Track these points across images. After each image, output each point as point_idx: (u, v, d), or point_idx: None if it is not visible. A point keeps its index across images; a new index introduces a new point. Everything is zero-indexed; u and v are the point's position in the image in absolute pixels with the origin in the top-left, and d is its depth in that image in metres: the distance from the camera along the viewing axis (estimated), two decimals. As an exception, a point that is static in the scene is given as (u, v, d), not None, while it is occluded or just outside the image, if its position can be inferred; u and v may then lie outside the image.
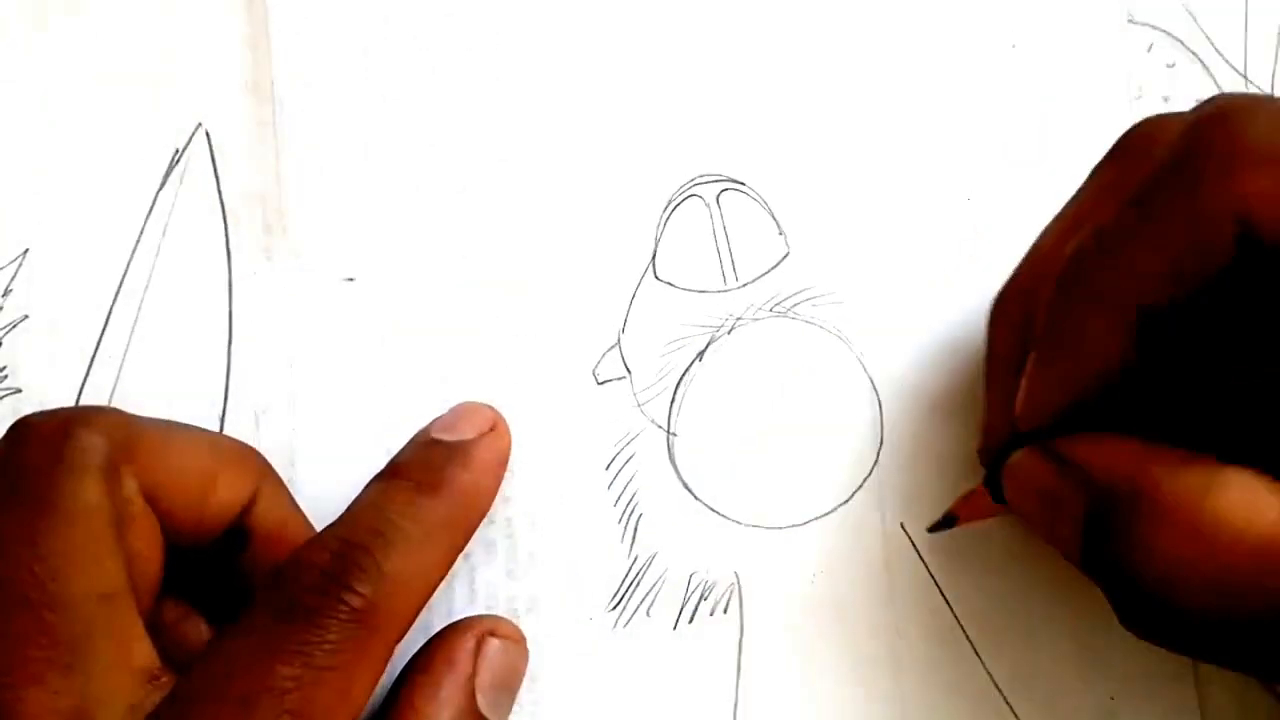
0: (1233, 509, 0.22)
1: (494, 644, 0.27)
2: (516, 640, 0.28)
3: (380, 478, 0.28)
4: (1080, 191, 0.27)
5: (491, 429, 0.29)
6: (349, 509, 0.26)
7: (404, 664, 0.27)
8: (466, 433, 0.29)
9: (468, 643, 0.27)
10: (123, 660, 0.23)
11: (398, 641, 0.25)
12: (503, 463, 0.29)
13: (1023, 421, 0.26)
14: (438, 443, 0.28)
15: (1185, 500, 0.22)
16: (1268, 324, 0.23)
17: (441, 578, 0.26)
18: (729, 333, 0.32)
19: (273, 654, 0.23)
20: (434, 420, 0.30)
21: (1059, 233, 0.27)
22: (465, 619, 0.28)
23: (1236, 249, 0.22)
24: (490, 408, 0.30)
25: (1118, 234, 0.24)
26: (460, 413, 0.30)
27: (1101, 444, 0.24)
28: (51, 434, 0.24)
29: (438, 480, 0.27)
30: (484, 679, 0.27)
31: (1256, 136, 0.22)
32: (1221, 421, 0.23)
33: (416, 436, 0.29)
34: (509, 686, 0.28)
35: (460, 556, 0.30)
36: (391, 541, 0.25)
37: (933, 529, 0.30)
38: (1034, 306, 0.26)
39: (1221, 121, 0.23)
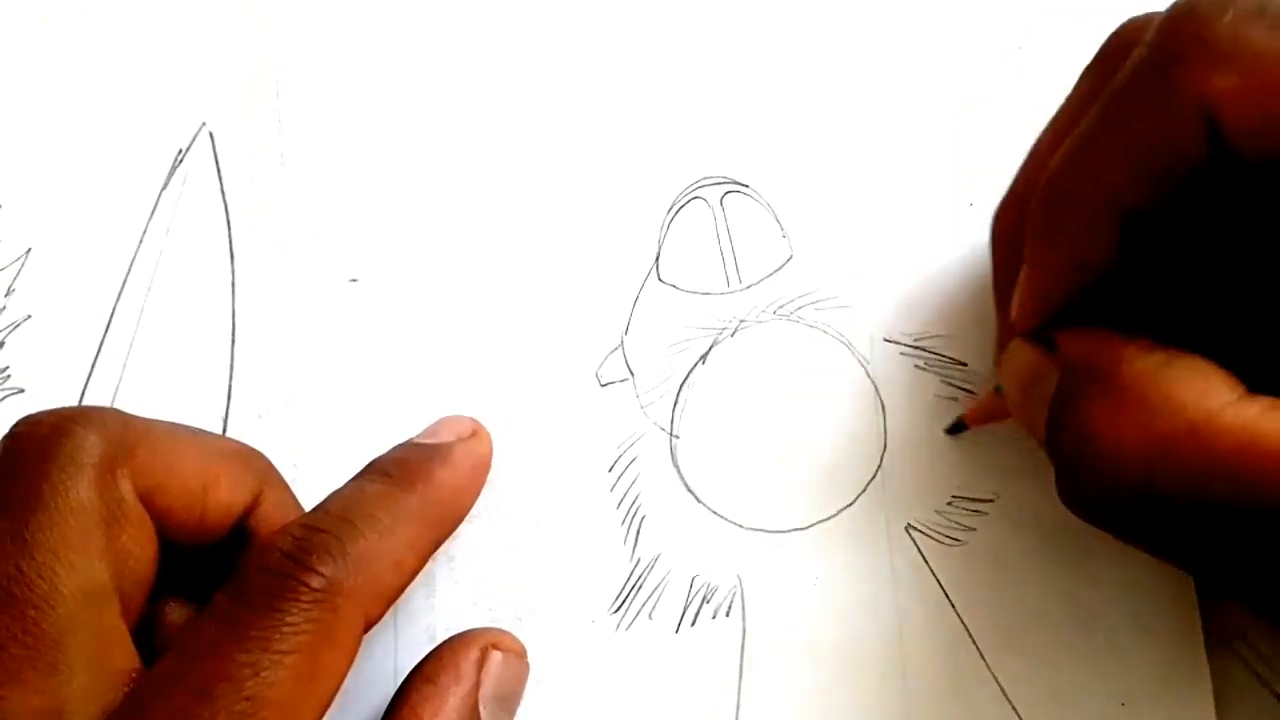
0: (1178, 389, 0.22)
1: (497, 657, 0.27)
2: (519, 654, 0.28)
3: (357, 475, 0.28)
4: (1068, 99, 0.27)
5: (472, 435, 0.30)
6: (321, 502, 0.26)
7: (407, 673, 0.27)
8: (446, 438, 0.29)
9: (472, 654, 0.27)
10: (102, 661, 0.23)
11: (367, 626, 0.24)
12: (481, 467, 0.30)
13: (1019, 324, 0.27)
14: (417, 445, 0.29)
15: (1138, 377, 0.23)
16: (1242, 225, 0.23)
17: (415, 567, 0.26)
18: (732, 335, 0.32)
19: (230, 641, 0.23)
20: (418, 433, 0.30)
21: (1049, 142, 0.27)
22: (469, 631, 0.28)
23: (1208, 148, 0.22)
24: (472, 419, 0.30)
25: (1094, 137, 0.24)
26: (442, 422, 0.30)
27: (1080, 332, 0.25)
28: (48, 432, 0.24)
29: (413, 475, 0.27)
30: (487, 691, 0.27)
31: (1221, 33, 0.22)
32: (1205, 320, 0.24)
33: (399, 444, 0.30)
34: (510, 699, 0.28)
35: (462, 557, 0.30)
36: (358, 527, 0.25)
37: (949, 431, 0.31)
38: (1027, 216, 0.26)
39: (1188, 19, 0.22)
